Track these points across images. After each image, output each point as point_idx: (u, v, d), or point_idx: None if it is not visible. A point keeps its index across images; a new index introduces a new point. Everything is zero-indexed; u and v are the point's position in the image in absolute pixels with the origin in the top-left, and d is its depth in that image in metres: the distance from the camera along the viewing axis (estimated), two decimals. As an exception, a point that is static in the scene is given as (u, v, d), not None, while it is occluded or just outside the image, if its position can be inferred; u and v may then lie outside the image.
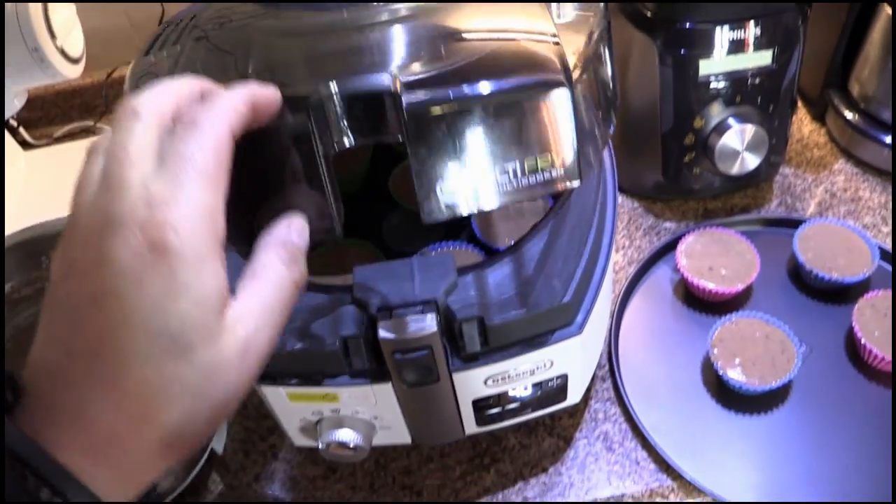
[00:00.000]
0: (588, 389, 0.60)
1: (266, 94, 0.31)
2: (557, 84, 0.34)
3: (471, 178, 0.34)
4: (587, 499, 0.55)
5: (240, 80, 0.31)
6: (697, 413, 0.58)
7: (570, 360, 0.48)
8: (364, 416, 0.49)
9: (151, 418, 0.25)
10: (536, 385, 0.50)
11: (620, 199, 0.74)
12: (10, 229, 0.57)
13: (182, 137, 0.27)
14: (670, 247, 0.67)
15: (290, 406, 0.48)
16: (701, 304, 0.64)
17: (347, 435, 0.48)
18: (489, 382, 0.47)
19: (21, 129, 0.85)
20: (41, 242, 0.57)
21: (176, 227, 0.25)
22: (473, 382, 0.47)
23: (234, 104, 0.28)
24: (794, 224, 0.66)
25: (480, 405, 0.50)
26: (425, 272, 0.43)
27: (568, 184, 0.35)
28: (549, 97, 0.34)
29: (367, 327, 0.42)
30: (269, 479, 0.58)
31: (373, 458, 0.58)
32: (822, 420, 0.56)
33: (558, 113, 0.35)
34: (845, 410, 0.57)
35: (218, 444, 0.59)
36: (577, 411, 0.59)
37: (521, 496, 0.55)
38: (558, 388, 0.51)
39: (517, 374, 0.47)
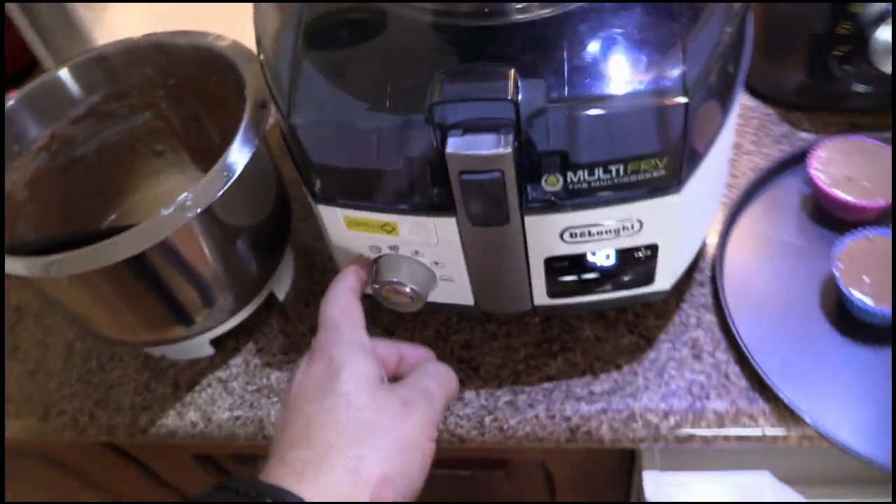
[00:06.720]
0: (681, 292, 0.53)
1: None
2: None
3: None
4: (662, 406, 0.48)
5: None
6: (808, 336, 0.50)
7: (664, 226, 0.42)
8: (424, 259, 0.45)
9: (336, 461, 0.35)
10: (620, 254, 0.44)
11: (753, 103, 0.65)
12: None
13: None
14: (804, 157, 0.58)
15: (347, 235, 0.45)
16: (831, 220, 0.55)
17: (401, 274, 0.44)
18: (566, 237, 0.42)
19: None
20: (139, 52, 0.56)
21: None
22: (548, 233, 0.42)
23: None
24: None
25: (554, 267, 0.44)
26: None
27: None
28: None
29: (437, 144, 0.38)
30: (325, 333, 0.55)
31: (433, 328, 0.54)
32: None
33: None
34: None
35: (280, 291, 0.57)
36: (665, 312, 0.52)
37: (586, 390, 0.50)
38: (645, 265, 0.44)
39: (599, 232, 0.42)
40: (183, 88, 0.57)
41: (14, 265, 0.42)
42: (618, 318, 0.53)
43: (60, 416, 0.55)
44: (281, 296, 0.57)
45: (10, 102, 0.51)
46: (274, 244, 0.54)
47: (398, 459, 0.36)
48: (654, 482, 0.51)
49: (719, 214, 0.56)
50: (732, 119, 0.45)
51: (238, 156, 0.45)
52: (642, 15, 0.39)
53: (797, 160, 0.59)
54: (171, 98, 0.58)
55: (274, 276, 0.56)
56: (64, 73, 0.53)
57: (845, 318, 0.50)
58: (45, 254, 0.43)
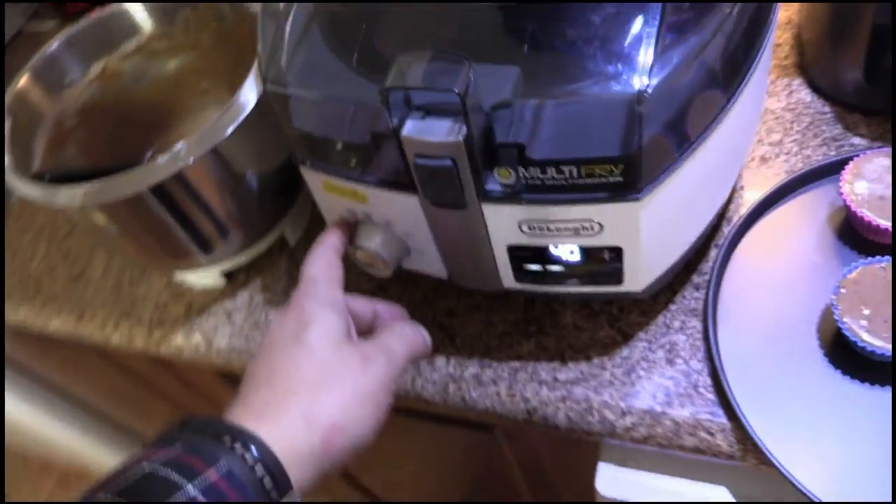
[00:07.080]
0: (674, 292, 0.52)
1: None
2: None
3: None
4: (621, 405, 0.48)
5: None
6: (796, 361, 0.47)
7: (626, 231, 0.41)
8: (396, 229, 0.46)
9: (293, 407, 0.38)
10: (585, 251, 0.43)
11: (810, 98, 0.60)
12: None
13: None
14: (845, 165, 0.53)
15: (326, 197, 0.47)
16: (856, 240, 0.51)
17: (373, 242, 0.46)
18: (525, 228, 0.42)
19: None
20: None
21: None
22: (507, 223, 0.42)
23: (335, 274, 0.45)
24: None
25: (517, 255, 0.44)
26: (480, 79, 0.37)
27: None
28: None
29: (393, 126, 0.39)
30: (326, 281, 0.58)
31: (423, 291, 0.56)
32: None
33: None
34: None
35: (292, 236, 0.61)
36: (651, 311, 0.51)
37: (551, 376, 0.50)
38: (611, 265, 0.44)
39: (558, 229, 0.41)
40: (225, 32, 0.60)
41: (30, 190, 0.47)
42: (601, 310, 0.52)
43: (92, 320, 0.62)
44: (292, 240, 0.60)
45: (64, 38, 0.56)
46: (285, 188, 0.57)
47: (353, 409, 0.39)
48: (607, 475, 0.51)
49: (734, 217, 0.53)
50: (735, 120, 0.42)
51: (242, 104, 0.48)
52: (626, 7, 0.37)
53: (837, 168, 0.54)
54: (216, 39, 0.61)
55: (286, 218, 0.59)
56: (116, 11, 0.58)
57: (840, 349, 0.47)
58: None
